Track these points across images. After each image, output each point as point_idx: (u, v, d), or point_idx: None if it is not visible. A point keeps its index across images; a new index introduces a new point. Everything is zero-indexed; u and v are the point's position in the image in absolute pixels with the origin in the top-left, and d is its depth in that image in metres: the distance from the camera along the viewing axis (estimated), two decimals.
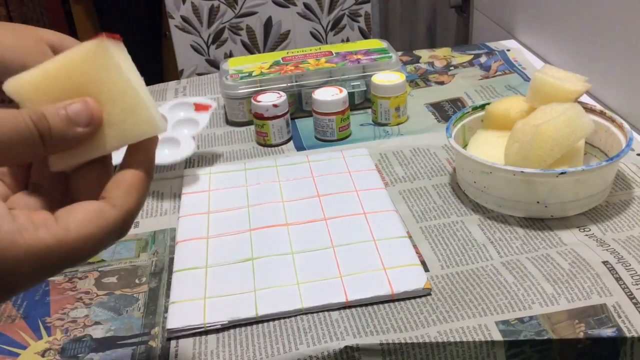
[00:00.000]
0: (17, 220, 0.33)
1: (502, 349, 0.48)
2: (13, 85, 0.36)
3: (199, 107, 0.76)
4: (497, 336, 0.48)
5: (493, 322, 0.49)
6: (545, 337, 0.48)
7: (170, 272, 0.58)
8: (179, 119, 0.75)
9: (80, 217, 0.34)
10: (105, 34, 0.37)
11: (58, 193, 0.38)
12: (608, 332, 0.48)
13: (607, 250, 0.56)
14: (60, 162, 0.37)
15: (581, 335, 0.48)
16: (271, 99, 0.78)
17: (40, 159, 0.37)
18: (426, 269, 0.56)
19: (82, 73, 0.36)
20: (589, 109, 0.67)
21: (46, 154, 0.36)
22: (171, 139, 0.72)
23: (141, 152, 0.38)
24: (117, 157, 0.38)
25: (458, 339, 0.48)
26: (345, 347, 0.48)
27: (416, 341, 0.48)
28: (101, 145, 0.36)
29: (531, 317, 0.49)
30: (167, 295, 0.55)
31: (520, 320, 0.49)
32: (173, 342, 0.51)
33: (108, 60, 0.36)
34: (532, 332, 0.48)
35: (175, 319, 0.52)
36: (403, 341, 0.48)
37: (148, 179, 0.38)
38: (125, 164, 0.38)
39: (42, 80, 0.36)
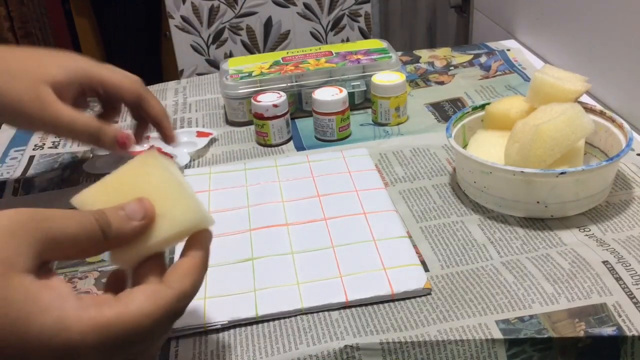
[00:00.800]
0: (82, 300, 0.37)
1: (503, 348, 0.48)
2: (78, 199, 0.42)
3: (200, 134, 0.82)
4: (498, 335, 0.48)
5: (493, 321, 0.50)
6: (546, 336, 0.48)
7: None
8: (180, 141, 0.79)
9: (139, 295, 0.38)
10: (157, 149, 0.43)
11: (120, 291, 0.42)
12: (608, 330, 0.48)
13: (607, 250, 0.56)
14: (121, 257, 0.42)
15: (581, 334, 0.48)
16: (271, 99, 0.78)
17: (102, 252, 0.41)
18: (426, 269, 0.56)
19: (136, 178, 0.43)
20: (589, 109, 0.67)
21: (107, 247, 0.40)
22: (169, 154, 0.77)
23: (197, 244, 0.43)
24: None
25: (458, 338, 0.48)
26: (345, 346, 0.48)
27: (416, 340, 0.48)
28: (155, 237, 0.42)
29: (531, 316, 0.50)
30: None
31: (521, 319, 0.49)
32: (173, 342, 0.51)
33: (157, 163, 0.43)
34: (532, 330, 0.48)
35: None
36: (403, 340, 0.48)
37: (203, 267, 0.42)
38: (182, 255, 0.43)
39: (102, 190, 0.43)
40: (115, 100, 0.67)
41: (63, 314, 0.35)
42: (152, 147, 0.43)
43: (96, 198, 0.42)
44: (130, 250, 0.41)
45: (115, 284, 0.44)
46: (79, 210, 0.41)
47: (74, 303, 0.36)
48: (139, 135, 0.70)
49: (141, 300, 0.38)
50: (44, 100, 0.59)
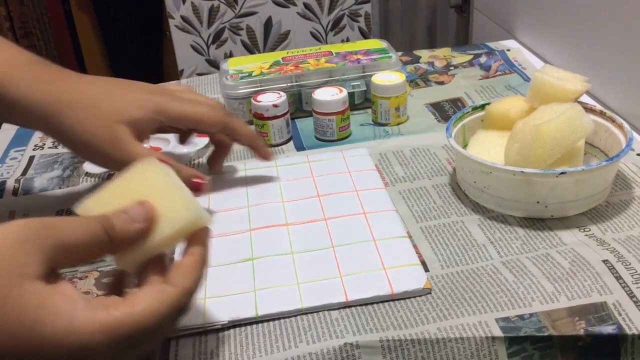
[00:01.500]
0: (91, 303, 0.38)
1: (503, 346, 0.48)
2: (82, 208, 0.44)
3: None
4: (497, 332, 0.48)
5: (493, 318, 0.50)
6: (546, 334, 0.48)
7: None
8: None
9: (144, 295, 0.40)
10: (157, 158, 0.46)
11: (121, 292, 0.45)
12: (608, 329, 0.48)
13: (607, 249, 0.56)
14: (126, 259, 0.43)
15: (581, 332, 0.48)
16: (271, 99, 0.78)
17: (108, 255, 0.43)
18: (426, 269, 0.56)
19: (136, 183, 0.45)
20: (589, 109, 0.67)
21: (113, 249, 0.42)
22: (168, 153, 0.77)
23: (196, 242, 0.45)
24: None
25: (458, 335, 0.48)
26: (345, 344, 0.48)
27: (416, 338, 0.48)
28: (157, 236, 0.43)
29: (531, 314, 0.50)
30: None
31: (521, 317, 0.49)
32: (173, 342, 0.51)
33: (155, 169, 0.46)
34: (532, 328, 0.48)
35: None
36: (403, 338, 0.48)
37: (203, 263, 0.44)
38: (183, 254, 0.44)
39: (104, 197, 0.45)
40: (200, 132, 0.67)
41: (74, 317, 0.37)
42: (151, 154, 0.46)
43: (99, 205, 0.44)
44: (134, 251, 0.43)
45: (116, 286, 0.45)
46: (84, 216, 0.42)
47: (83, 306, 0.37)
48: (216, 162, 0.70)
49: (147, 300, 0.39)
50: (119, 140, 0.59)
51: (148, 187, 0.45)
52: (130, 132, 0.60)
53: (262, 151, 0.69)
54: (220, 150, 0.70)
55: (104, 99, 0.61)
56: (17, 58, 0.60)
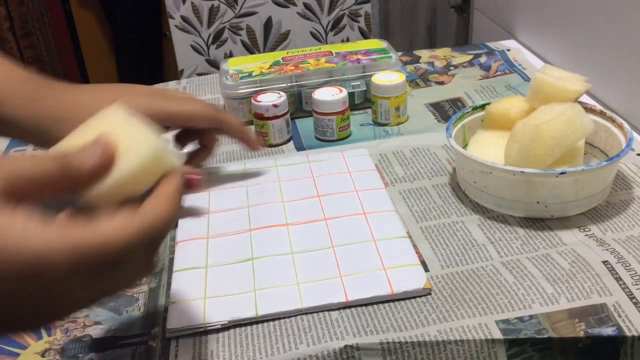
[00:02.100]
0: (48, 220, 0.35)
1: (503, 348, 0.48)
2: None
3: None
4: (497, 335, 0.48)
5: (493, 321, 0.50)
6: (546, 336, 0.48)
7: (170, 272, 0.58)
8: None
9: (111, 219, 0.37)
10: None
11: None
12: (608, 331, 0.48)
13: (607, 250, 0.56)
14: (91, 197, 0.41)
15: (581, 334, 0.48)
16: (271, 99, 0.78)
17: (68, 191, 0.40)
18: (426, 269, 0.56)
19: (99, 127, 0.43)
20: (589, 109, 0.67)
21: (73, 184, 0.40)
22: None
23: (167, 178, 0.42)
24: None
25: (458, 338, 0.48)
26: (345, 346, 0.48)
27: (416, 340, 0.48)
28: (119, 171, 0.41)
29: (531, 316, 0.50)
30: (167, 295, 0.56)
31: (520, 319, 0.49)
32: (173, 342, 0.51)
33: (120, 113, 0.44)
34: (532, 330, 0.48)
35: (175, 318, 0.52)
36: (403, 340, 0.48)
37: (177, 197, 0.42)
38: (153, 189, 0.42)
39: (68, 143, 0.43)
40: (194, 131, 0.66)
41: (27, 230, 0.34)
42: (117, 102, 0.44)
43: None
44: (98, 188, 0.40)
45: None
46: (34, 155, 0.40)
47: (39, 221, 0.35)
48: (197, 162, 0.69)
49: (113, 223, 0.37)
50: None
51: (110, 128, 0.43)
52: None
53: (252, 142, 0.69)
54: (204, 152, 0.68)
55: (95, 106, 0.60)
56: (12, 76, 0.61)
